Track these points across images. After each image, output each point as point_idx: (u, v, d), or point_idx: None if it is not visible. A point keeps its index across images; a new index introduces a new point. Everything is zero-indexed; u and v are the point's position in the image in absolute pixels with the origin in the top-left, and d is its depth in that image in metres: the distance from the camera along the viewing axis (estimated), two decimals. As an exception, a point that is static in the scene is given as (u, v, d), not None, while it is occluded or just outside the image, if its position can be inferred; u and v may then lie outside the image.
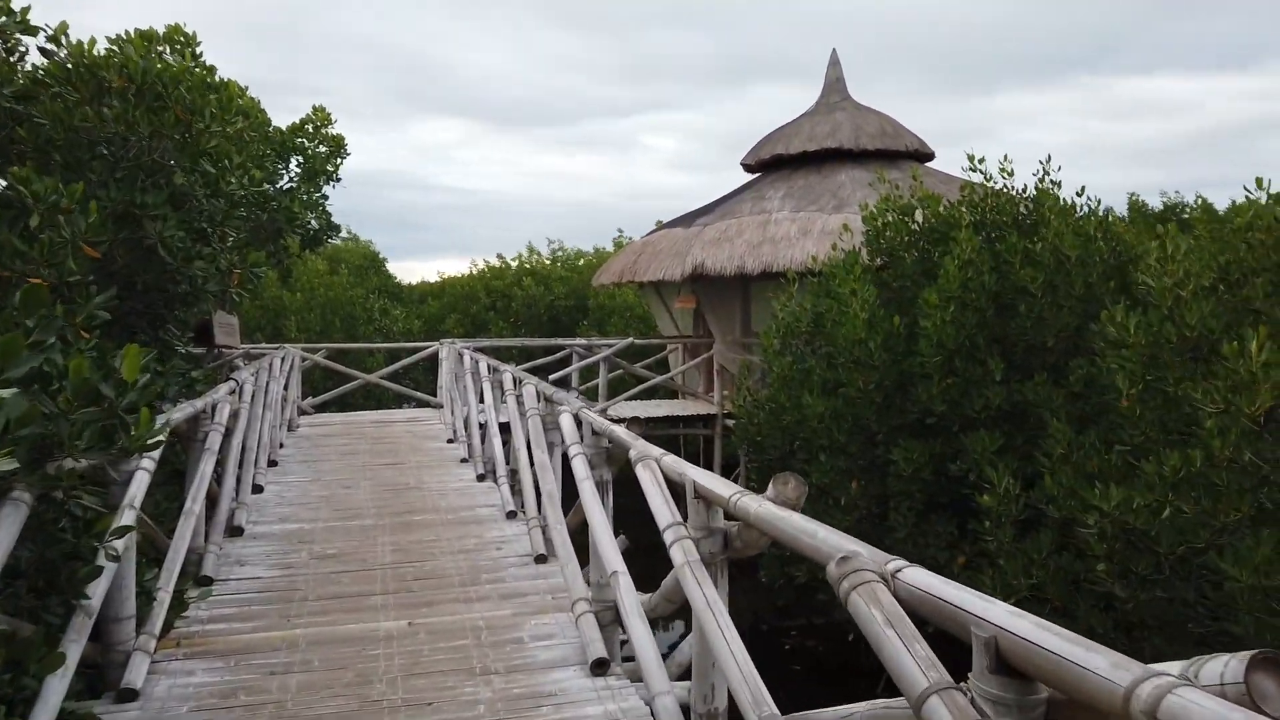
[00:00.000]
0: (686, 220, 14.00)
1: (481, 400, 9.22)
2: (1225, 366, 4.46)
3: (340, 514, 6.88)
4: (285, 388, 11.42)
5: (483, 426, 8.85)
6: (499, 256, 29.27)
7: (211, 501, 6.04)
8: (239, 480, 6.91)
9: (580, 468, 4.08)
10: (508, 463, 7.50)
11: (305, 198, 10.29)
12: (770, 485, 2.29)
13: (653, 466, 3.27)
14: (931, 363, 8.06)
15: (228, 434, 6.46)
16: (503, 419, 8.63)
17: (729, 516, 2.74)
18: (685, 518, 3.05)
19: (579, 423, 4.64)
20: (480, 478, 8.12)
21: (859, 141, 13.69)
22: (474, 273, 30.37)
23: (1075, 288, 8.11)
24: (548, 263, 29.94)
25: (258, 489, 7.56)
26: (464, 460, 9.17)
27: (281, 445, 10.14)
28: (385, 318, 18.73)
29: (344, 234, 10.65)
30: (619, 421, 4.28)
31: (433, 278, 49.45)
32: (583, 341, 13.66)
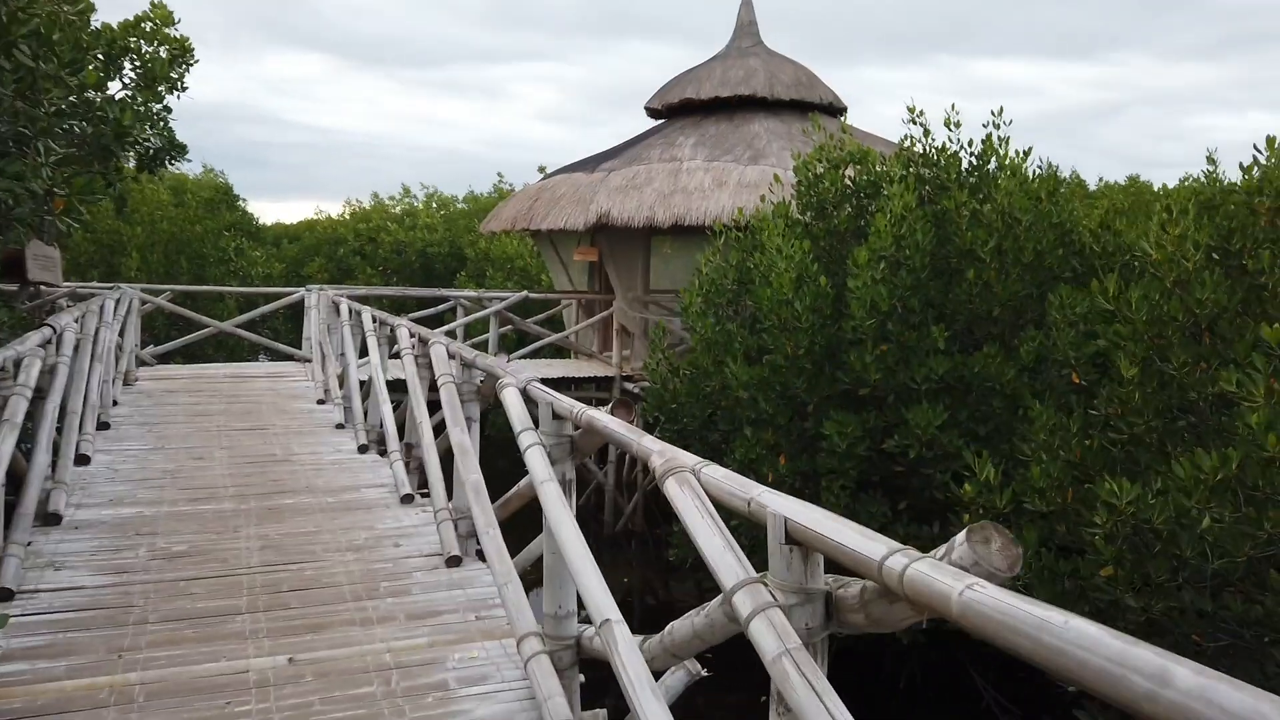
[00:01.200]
0: (589, 165, 12.95)
1: (363, 356, 8.03)
2: (1269, 352, 3.89)
3: (190, 494, 5.65)
4: (121, 334, 9.83)
5: (364, 384, 7.69)
6: (374, 196, 27.22)
7: (16, 482, 4.74)
8: (57, 452, 5.57)
9: (538, 464, 3.10)
10: (401, 437, 6.40)
11: (141, 109, 8.67)
12: (970, 544, 1.51)
13: (694, 485, 2.35)
14: (865, 327, 7.42)
15: (40, 395, 5.11)
16: (390, 376, 7.50)
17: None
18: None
19: (527, 400, 3.64)
20: (362, 449, 6.99)
21: (774, 90, 12.95)
22: (342, 214, 28.32)
23: (1025, 254, 7.62)
24: (419, 207, 28.20)
25: (83, 460, 6.21)
26: (340, 426, 7.98)
27: (115, 403, 8.65)
28: (240, 259, 16.89)
29: (190, 160, 9.04)
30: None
31: (287, 219, 46.32)
32: (470, 293, 12.48)
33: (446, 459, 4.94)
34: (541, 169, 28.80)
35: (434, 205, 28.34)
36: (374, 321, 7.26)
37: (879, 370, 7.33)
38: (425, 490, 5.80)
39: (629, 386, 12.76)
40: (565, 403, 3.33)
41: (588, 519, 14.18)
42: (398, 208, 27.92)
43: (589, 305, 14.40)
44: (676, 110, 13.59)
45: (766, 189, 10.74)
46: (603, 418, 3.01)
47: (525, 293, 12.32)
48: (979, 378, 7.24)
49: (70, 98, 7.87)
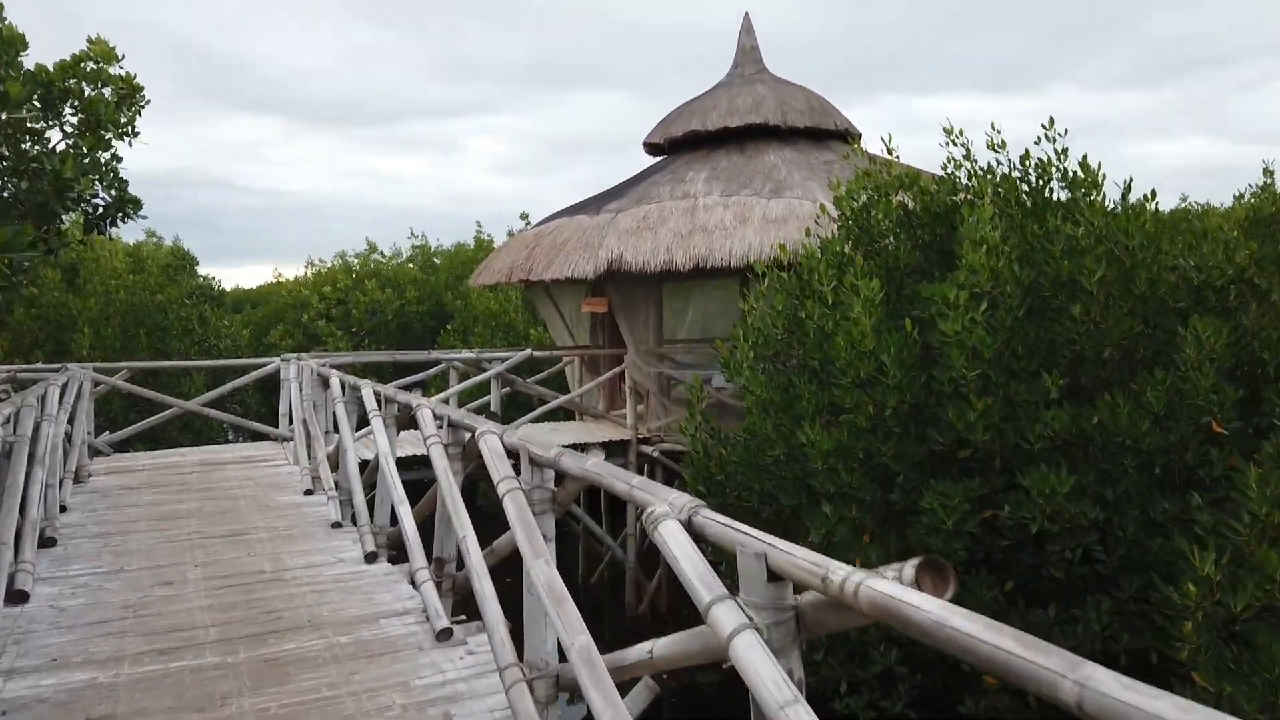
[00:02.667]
0: (591, 206, 11.90)
1: (354, 432, 6.81)
2: None
3: (160, 643, 4.38)
4: (71, 422, 8.53)
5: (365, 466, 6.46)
6: (339, 256, 26.04)
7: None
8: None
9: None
10: (447, 552, 5.15)
11: (86, 160, 7.48)
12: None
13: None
14: (968, 379, 6.34)
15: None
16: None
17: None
18: None
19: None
20: (370, 557, 5.74)
21: (786, 118, 12.03)
22: (305, 275, 27.01)
23: (1137, 284, 6.61)
24: (398, 264, 27.00)
25: (18, 597, 4.91)
26: (337, 525, 6.73)
27: (64, 509, 7.34)
28: (204, 328, 15.57)
29: (145, 216, 7.85)
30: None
31: (244, 284, 44.89)
32: (468, 354, 11.28)
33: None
34: (524, 216, 27.82)
35: (416, 259, 27.13)
36: (379, 399, 6.05)
37: (985, 429, 6.24)
38: (462, 618, 4.59)
39: (647, 450, 11.59)
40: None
41: (604, 600, 12.98)
42: (367, 265, 26.69)
43: (592, 361, 13.27)
44: (681, 144, 12.63)
45: (799, 223, 9.77)
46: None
47: (529, 351, 11.16)
48: (1101, 432, 6.17)
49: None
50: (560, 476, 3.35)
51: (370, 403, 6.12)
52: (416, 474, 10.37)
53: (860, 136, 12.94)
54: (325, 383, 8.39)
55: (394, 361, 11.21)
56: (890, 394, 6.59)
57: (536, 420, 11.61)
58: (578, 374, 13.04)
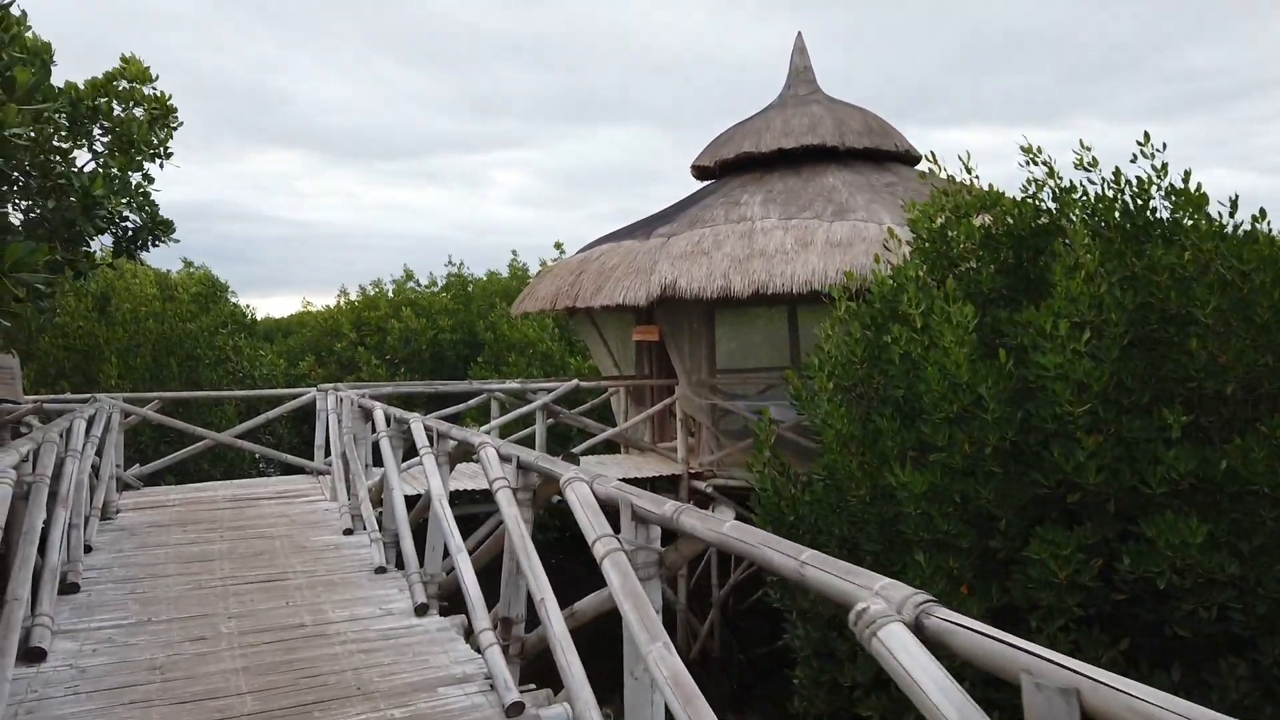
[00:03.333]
0: (640, 230, 11.43)
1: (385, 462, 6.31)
2: None
3: (189, 716, 3.86)
4: (99, 454, 8.12)
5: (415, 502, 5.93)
6: (374, 284, 25.78)
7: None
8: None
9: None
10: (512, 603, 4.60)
11: (116, 181, 7.10)
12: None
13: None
14: (1075, 415, 5.74)
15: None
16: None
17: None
18: None
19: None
20: (420, 609, 5.20)
21: (844, 139, 11.53)
22: (339, 304, 26.76)
23: (1259, 315, 5.98)
24: (433, 293, 26.69)
25: (35, 655, 4.42)
26: (381, 570, 6.21)
27: (89, 549, 6.88)
28: (238, 357, 15.22)
29: (178, 239, 7.47)
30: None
31: (275, 313, 44.95)
32: (513, 384, 10.78)
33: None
34: (558, 245, 27.45)
35: (450, 289, 26.80)
36: (431, 435, 5.54)
37: (1097, 470, 5.63)
38: (531, 687, 4.04)
39: (699, 486, 11.01)
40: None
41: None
42: (403, 292, 26.40)
43: (638, 392, 12.75)
44: (731, 166, 12.15)
45: (865, 247, 9.24)
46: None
47: (575, 381, 10.65)
48: (1233, 478, 5.54)
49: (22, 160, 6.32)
50: (671, 535, 2.80)
51: (421, 438, 5.61)
52: (458, 510, 9.87)
53: (920, 159, 12.39)
54: (367, 415, 7.92)
55: (435, 392, 10.73)
56: (989, 430, 5.99)
57: (581, 454, 11.06)
58: (623, 405, 12.51)
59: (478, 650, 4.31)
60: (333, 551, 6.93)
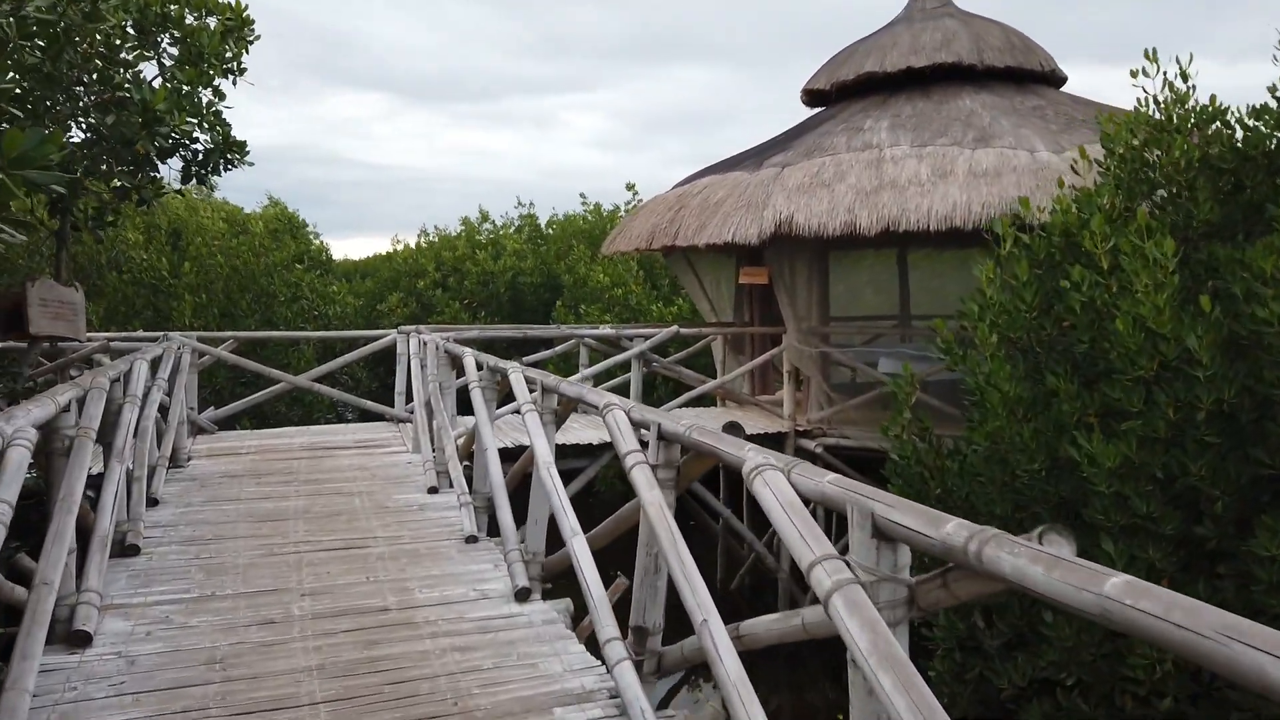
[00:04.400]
0: (749, 160, 10.37)
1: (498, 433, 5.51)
2: None
3: (254, 727, 3.15)
4: (168, 395, 7.57)
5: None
6: (463, 221, 25.16)
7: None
8: (29, 639, 3.14)
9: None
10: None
11: (184, 96, 6.36)
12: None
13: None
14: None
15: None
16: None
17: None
18: None
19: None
20: (523, 593, 4.43)
21: (983, 57, 10.25)
22: (420, 244, 26.25)
23: None
24: (509, 231, 26.00)
25: (78, 640, 3.77)
26: (472, 540, 5.47)
27: (156, 503, 6.31)
28: (315, 296, 14.70)
29: (252, 163, 6.77)
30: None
31: (351, 255, 44.92)
32: (607, 330, 9.94)
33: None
34: (630, 186, 26.41)
35: (524, 230, 26.08)
36: (536, 389, 4.71)
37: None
38: (671, 716, 3.21)
39: (808, 444, 10.08)
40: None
41: (744, 610, 11.50)
42: (479, 235, 25.77)
43: (736, 340, 11.81)
44: (851, 89, 10.95)
45: (1016, 178, 8.06)
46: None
47: (675, 327, 9.74)
48: None
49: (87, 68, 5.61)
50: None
51: (523, 392, 4.79)
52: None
53: (1065, 80, 11.02)
54: (454, 361, 7.17)
55: (522, 336, 9.95)
56: (1202, 391, 4.92)
57: (683, 407, 10.21)
58: (722, 354, 11.59)
59: (598, 658, 3.50)
60: (417, 513, 6.22)
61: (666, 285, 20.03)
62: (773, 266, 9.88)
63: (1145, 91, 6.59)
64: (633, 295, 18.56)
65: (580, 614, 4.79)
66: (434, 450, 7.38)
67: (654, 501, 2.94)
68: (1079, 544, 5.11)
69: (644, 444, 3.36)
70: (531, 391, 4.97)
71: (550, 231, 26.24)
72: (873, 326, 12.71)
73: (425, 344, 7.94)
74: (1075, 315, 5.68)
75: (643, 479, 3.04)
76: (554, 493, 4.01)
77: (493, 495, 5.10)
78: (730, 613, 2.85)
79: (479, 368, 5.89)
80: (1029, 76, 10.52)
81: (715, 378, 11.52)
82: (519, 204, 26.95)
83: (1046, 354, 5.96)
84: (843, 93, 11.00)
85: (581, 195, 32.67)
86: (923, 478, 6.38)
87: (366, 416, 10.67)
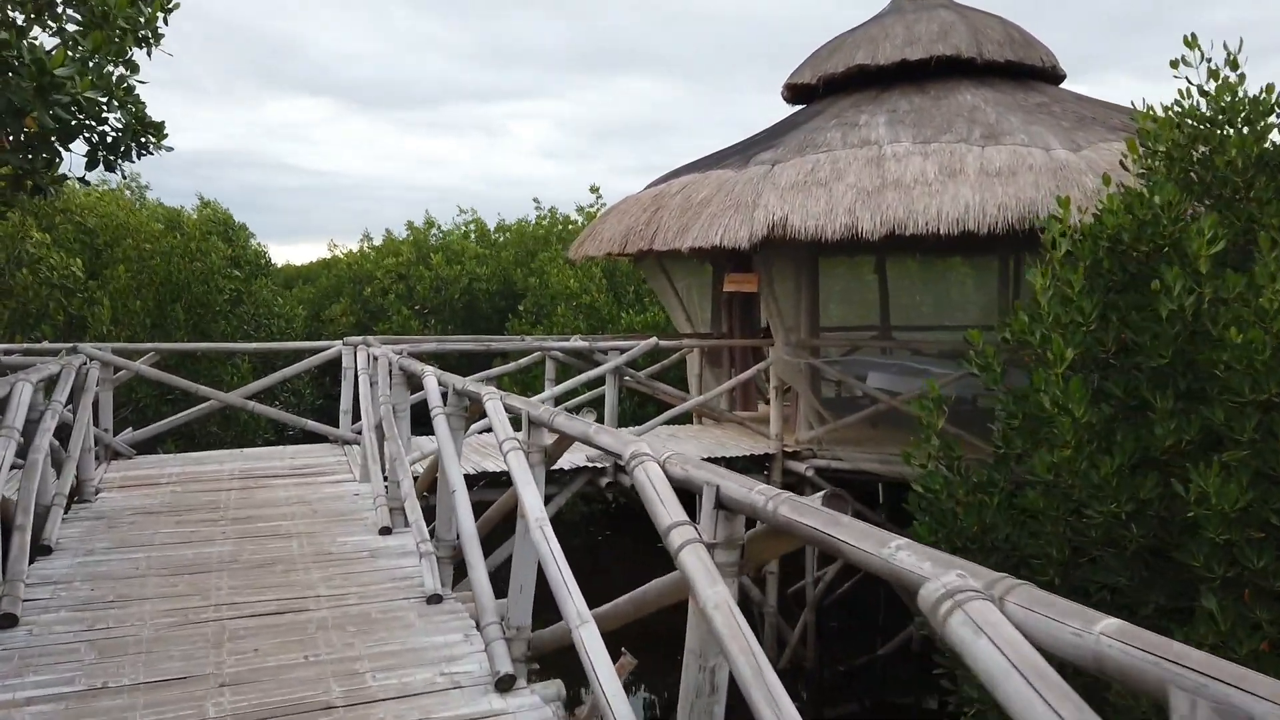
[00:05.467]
0: (735, 157, 9.53)
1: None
2: None
3: None
4: (73, 415, 6.50)
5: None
6: (410, 226, 24.08)
7: None
8: None
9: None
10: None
11: (88, 65, 5.32)
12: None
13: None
14: None
15: None
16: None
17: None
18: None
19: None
20: (505, 682, 3.48)
21: (981, 50, 9.57)
22: (364, 249, 25.02)
23: None
24: (459, 236, 24.91)
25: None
26: (436, 599, 4.52)
27: (49, 551, 5.25)
28: (254, 302, 13.53)
29: (170, 148, 5.81)
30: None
31: (294, 261, 43.35)
32: (579, 342, 9.00)
33: None
34: (594, 189, 25.48)
35: (470, 236, 25.04)
36: (527, 422, 3.76)
37: None
38: None
39: (797, 467, 9.25)
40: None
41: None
42: (425, 239, 24.67)
43: (713, 353, 10.97)
44: (840, 83, 10.19)
45: (1033, 177, 7.35)
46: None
47: (654, 339, 8.84)
48: None
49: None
50: None
51: (504, 427, 3.83)
52: (479, 494, 8.21)
53: (1064, 77, 10.39)
54: (411, 380, 6.19)
55: (488, 349, 8.96)
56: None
57: (663, 425, 9.31)
58: (698, 367, 10.73)
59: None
60: (367, 562, 5.24)
61: (631, 293, 19.20)
62: (761, 273, 9.05)
63: (1190, 82, 5.88)
64: (599, 303, 17.67)
65: (574, 700, 3.87)
66: (386, 481, 6.40)
67: (718, 601, 2.04)
68: (1165, 596, 4.29)
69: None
70: (533, 431, 4.01)
71: (500, 237, 25.24)
72: (868, 339, 11.97)
73: (376, 359, 6.93)
74: (1160, 326, 4.89)
75: (699, 567, 2.14)
76: (551, 560, 3.08)
77: (462, 547, 4.14)
78: None
79: (444, 394, 4.93)
80: (1029, 72, 9.87)
81: (689, 392, 10.66)
82: (461, 210, 25.82)
83: (1105, 373, 5.19)
84: (830, 87, 10.23)
85: (536, 200, 31.63)
86: (955, 514, 5.57)
87: (310, 438, 9.60)
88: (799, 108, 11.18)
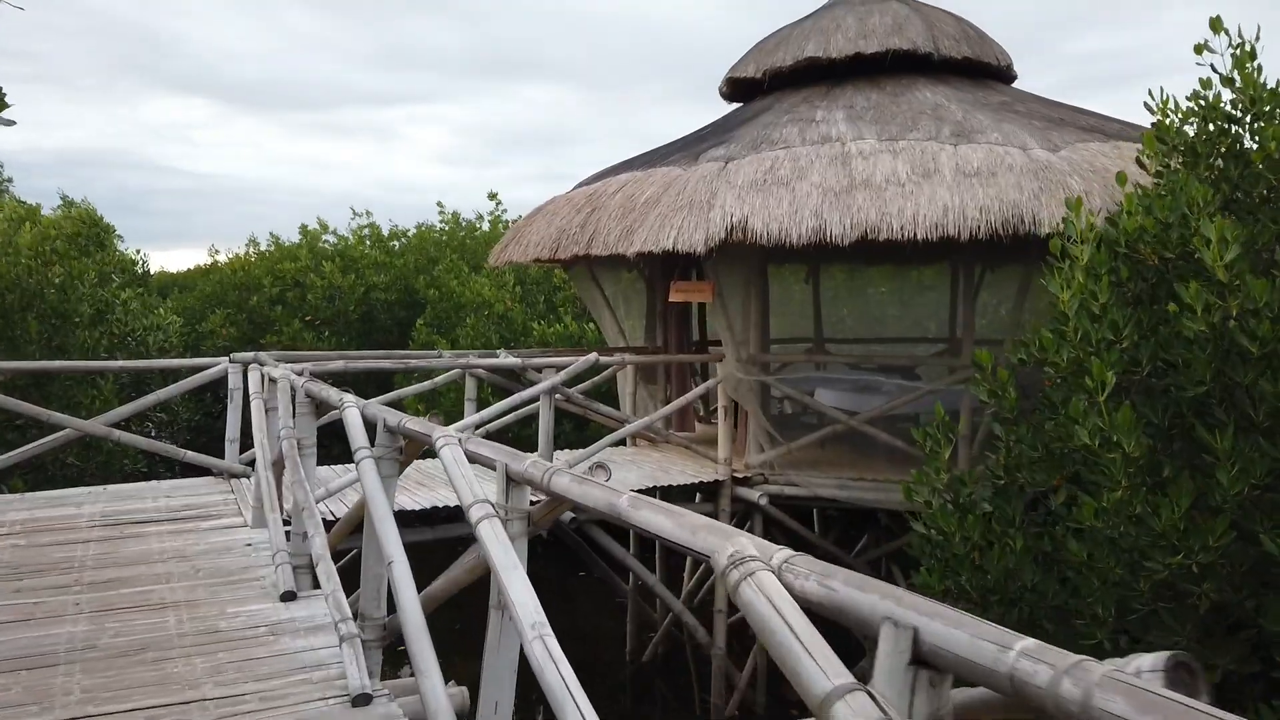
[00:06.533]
0: (682, 154, 8.68)
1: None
2: None
3: None
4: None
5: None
6: (303, 230, 22.54)
7: None
8: None
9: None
10: None
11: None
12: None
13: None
14: None
15: None
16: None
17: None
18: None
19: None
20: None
21: (938, 46, 9.00)
22: (249, 254, 23.22)
23: None
24: (353, 241, 23.40)
25: None
26: (363, 701, 3.49)
27: None
28: (126, 314, 11.99)
29: (13, 121, 4.69)
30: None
31: (171, 268, 40.70)
32: (509, 360, 7.97)
33: None
34: (493, 195, 24.27)
35: (366, 242, 23.57)
36: (502, 480, 2.78)
37: None
38: None
39: (748, 495, 8.46)
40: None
41: (690, 702, 9.79)
42: (322, 245, 23.09)
43: (648, 370, 10.12)
44: (787, 78, 9.47)
45: (1015, 178, 6.77)
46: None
47: (594, 354, 7.89)
48: None
49: None
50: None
51: (469, 488, 2.84)
52: (418, 534, 7.18)
53: (1016, 77, 9.95)
54: (319, 407, 5.11)
55: (407, 367, 7.84)
56: None
57: (600, 450, 8.35)
58: (631, 384, 9.84)
59: None
60: (266, 643, 4.15)
61: (542, 302, 18.20)
62: (714, 280, 8.23)
63: (1214, 71, 5.33)
64: (513, 313, 16.62)
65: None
66: (288, 524, 5.29)
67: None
68: (1235, 660, 3.60)
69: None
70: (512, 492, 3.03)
71: (397, 244, 23.83)
72: (831, 354, 11.29)
73: (275, 382, 5.80)
74: (1189, 350, 4.26)
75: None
76: (560, 685, 2.13)
77: (405, 637, 3.13)
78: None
79: (371, 434, 3.89)
80: (985, 71, 9.36)
81: (620, 411, 9.75)
82: (355, 214, 24.28)
83: (1144, 398, 4.53)
84: (777, 81, 9.50)
85: (439, 204, 30.28)
86: (970, 562, 4.83)
87: (189, 467, 8.30)
88: (735, 106, 10.45)
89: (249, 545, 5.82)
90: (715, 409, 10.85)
